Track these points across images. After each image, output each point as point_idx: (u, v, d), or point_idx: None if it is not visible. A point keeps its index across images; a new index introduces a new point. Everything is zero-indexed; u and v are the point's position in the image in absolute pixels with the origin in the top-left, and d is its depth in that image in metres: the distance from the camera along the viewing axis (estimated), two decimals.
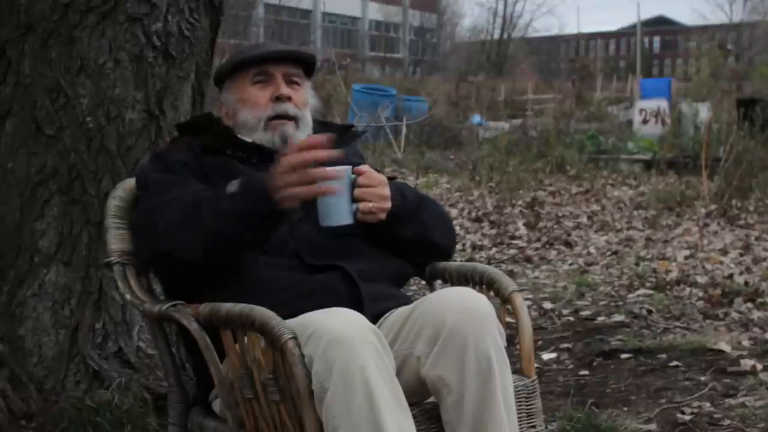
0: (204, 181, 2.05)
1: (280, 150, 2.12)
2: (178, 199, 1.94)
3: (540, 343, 4.00)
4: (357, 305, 1.90)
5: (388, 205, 2.05)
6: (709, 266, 5.49)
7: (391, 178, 2.14)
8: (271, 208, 1.86)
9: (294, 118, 2.17)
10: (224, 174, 2.05)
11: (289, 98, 2.16)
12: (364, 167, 2.05)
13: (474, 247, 6.54)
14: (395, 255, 2.16)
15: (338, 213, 1.99)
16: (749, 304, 4.53)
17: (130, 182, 2.17)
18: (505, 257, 6.18)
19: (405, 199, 2.12)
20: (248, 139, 2.16)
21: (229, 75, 2.22)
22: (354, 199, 2.01)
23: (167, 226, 1.91)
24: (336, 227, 2.00)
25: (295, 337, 1.73)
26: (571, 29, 68.91)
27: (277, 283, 1.96)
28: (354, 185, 2.02)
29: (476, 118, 17.80)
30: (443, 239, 2.23)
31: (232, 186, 1.90)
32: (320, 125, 2.33)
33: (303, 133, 2.18)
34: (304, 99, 2.22)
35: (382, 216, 2.05)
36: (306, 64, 2.25)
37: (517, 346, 2.02)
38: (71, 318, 2.78)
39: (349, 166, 2.04)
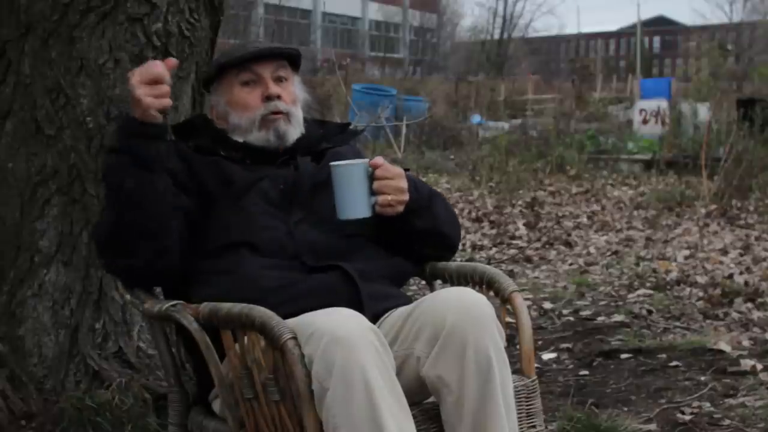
0: (189, 182, 2.07)
1: (277, 146, 2.14)
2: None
3: (540, 343, 4.00)
4: (357, 305, 1.90)
5: (406, 197, 2.07)
6: (709, 266, 5.49)
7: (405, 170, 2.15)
8: (137, 125, 1.97)
9: (286, 114, 2.19)
10: (215, 174, 2.09)
11: (279, 96, 2.18)
12: (379, 159, 2.06)
13: (474, 247, 6.54)
14: (396, 253, 2.17)
15: (357, 206, 2.01)
16: (749, 304, 4.53)
17: None
18: (505, 257, 6.18)
19: (419, 192, 2.14)
20: (241, 140, 2.17)
21: (216, 78, 2.23)
22: (372, 192, 2.03)
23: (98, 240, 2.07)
24: (354, 220, 2.01)
25: (295, 337, 1.74)
26: (571, 29, 69.05)
27: (276, 283, 1.96)
28: (372, 178, 2.03)
29: (476, 118, 17.79)
30: (452, 232, 2.25)
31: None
32: (318, 124, 2.34)
33: (294, 128, 2.20)
34: (293, 95, 2.23)
35: (400, 209, 2.06)
36: (291, 59, 2.25)
37: (517, 346, 2.02)
38: (71, 318, 2.77)
39: (366, 159, 2.05)
